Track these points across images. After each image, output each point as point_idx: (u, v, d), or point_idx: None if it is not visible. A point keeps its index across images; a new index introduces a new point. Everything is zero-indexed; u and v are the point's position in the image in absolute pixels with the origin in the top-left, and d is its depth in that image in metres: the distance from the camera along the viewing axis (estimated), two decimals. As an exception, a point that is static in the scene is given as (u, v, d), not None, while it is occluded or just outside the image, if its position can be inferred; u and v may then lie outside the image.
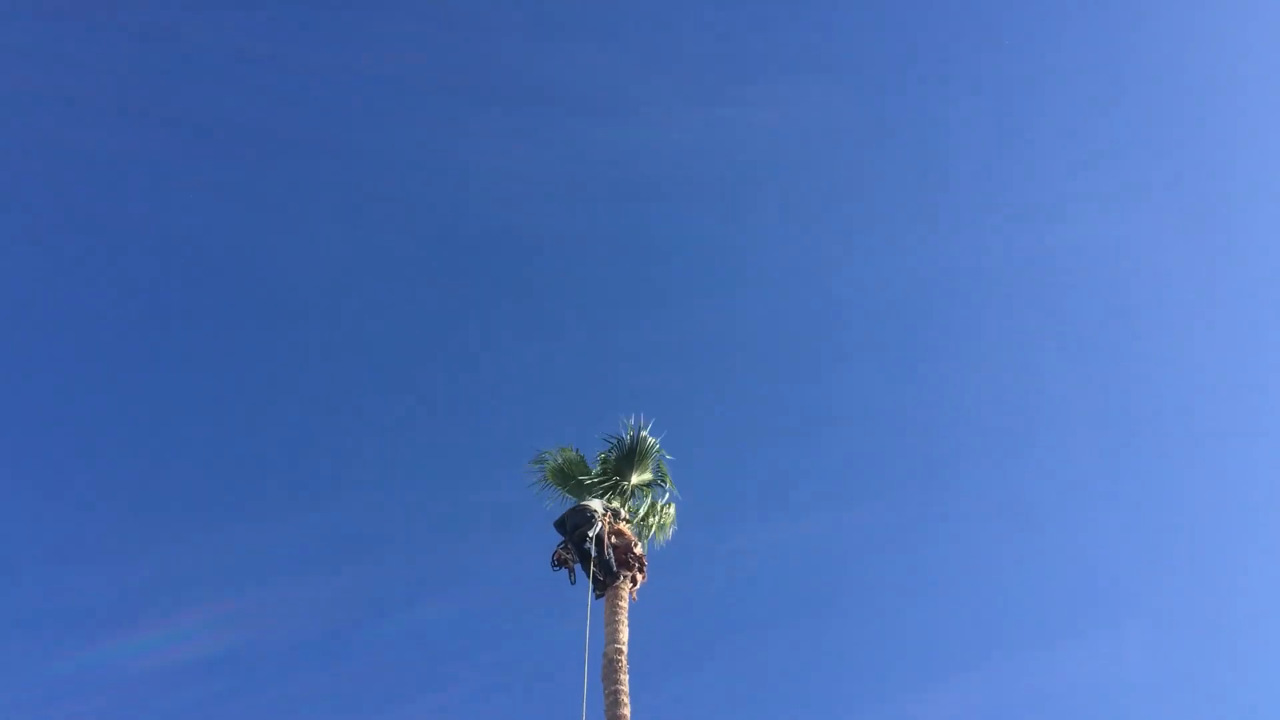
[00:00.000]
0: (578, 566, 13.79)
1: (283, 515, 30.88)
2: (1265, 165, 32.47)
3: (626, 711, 11.83)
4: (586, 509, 13.94)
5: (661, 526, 15.88)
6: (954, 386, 33.56)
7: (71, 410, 30.61)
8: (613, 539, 13.93)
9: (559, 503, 15.50)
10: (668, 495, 16.16)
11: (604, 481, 15.45)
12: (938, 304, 33.49)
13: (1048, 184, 32.87)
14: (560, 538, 14.03)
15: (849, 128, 32.35)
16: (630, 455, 15.81)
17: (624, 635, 12.84)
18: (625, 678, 12.28)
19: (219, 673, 27.74)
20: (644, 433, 15.90)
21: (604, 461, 16.01)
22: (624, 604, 13.30)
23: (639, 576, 13.98)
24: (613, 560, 13.59)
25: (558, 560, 13.90)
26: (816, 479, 32.95)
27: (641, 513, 15.69)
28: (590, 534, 13.62)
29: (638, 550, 14.13)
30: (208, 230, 31.23)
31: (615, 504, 14.64)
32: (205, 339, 32.10)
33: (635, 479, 15.78)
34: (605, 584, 13.51)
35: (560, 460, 15.99)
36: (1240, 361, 32.66)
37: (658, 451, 15.97)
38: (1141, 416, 33.73)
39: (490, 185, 32.01)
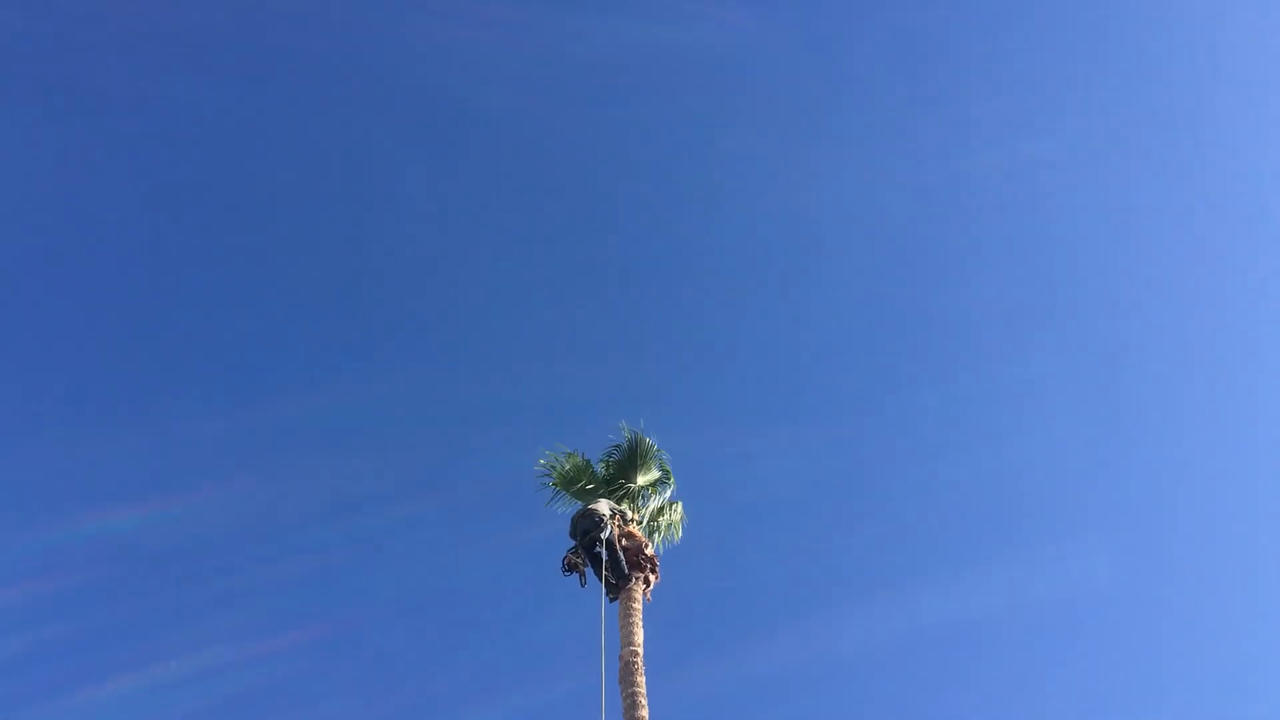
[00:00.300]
0: (589, 570, 13.81)
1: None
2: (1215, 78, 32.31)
3: (645, 714, 11.81)
4: (595, 513, 13.91)
5: (671, 525, 15.92)
6: (923, 301, 33.46)
7: (77, 282, 30.13)
8: (623, 541, 13.95)
9: (568, 508, 15.57)
10: (672, 492, 16.22)
11: (610, 485, 15.49)
12: (917, 216, 33.29)
13: (1031, 94, 32.57)
14: (570, 542, 14.07)
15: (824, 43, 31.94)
16: (632, 457, 15.91)
17: (639, 637, 12.83)
18: (642, 679, 12.28)
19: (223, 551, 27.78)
20: (640, 434, 16.03)
21: (607, 465, 16.07)
22: (638, 605, 13.29)
23: (652, 577, 13.97)
24: (624, 562, 13.60)
25: (568, 565, 13.91)
26: (791, 393, 33.17)
27: (650, 512, 15.72)
28: (601, 537, 13.62)
29: (649, 551, 14.13)
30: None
31: (624, 506, 14.64)
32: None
33: (641, 480, 15.84)
34: (618, 587, 13.51)
35: (567, 466, 16.08)
36: (1207, 267, 32.61)
37: (658, 451, 16.06)
38: (1106, 327, 33.71)
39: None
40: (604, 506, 14.09)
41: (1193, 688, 29.21)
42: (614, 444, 16.33)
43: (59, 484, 28.33)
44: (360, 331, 32.75)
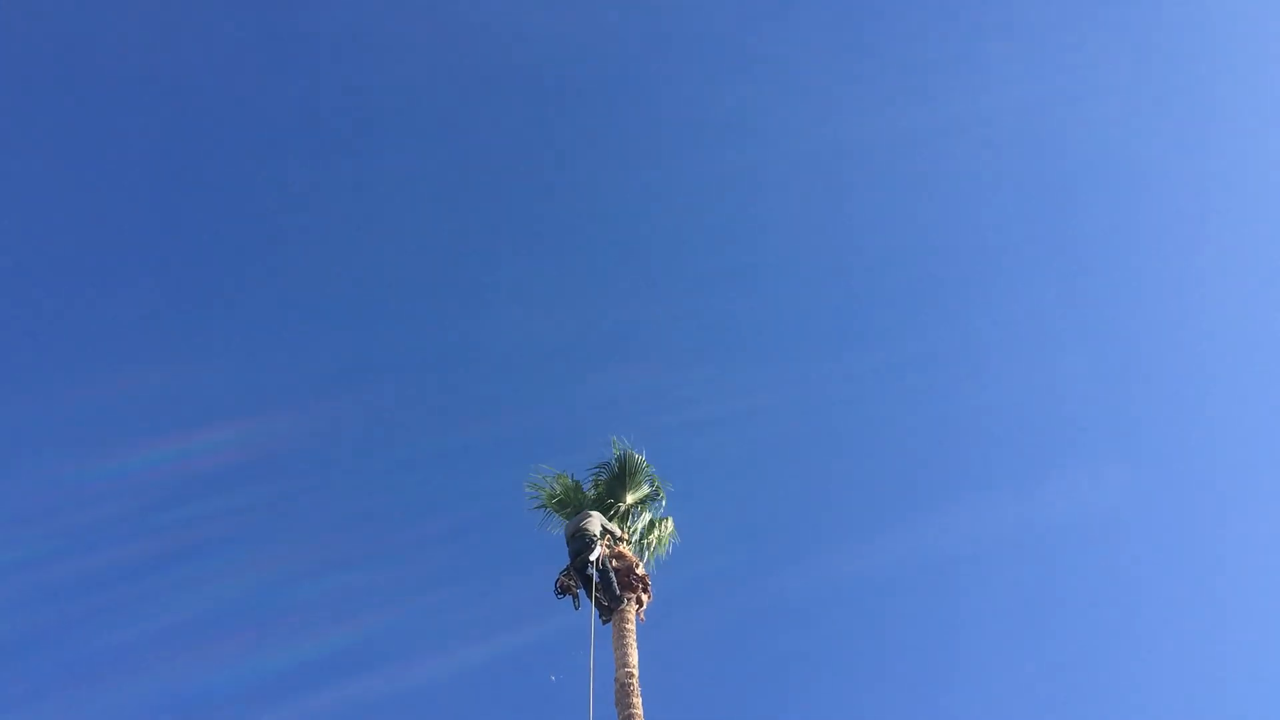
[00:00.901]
0: (581, 592, 13.83)
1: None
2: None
3: (642, 736, 11.87)
4: (585, 533, 13.87)
5: (661, 541, 15.95)
6: (930, 232, 33.27)
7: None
8: (614, 562, 13.97)
9: (559, 530, 15.58)
10: (663, 507, 16.27)
11: (600, 505, 15.52)
12: (919, 149, 33.02)
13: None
14: (564, 560, 14.08)
15: None
16: (622, 475, 15.94)
17: (634, 658, 12.87)
18: (639, 701, 12.33)
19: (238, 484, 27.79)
20: (630, 451, 16.07)
21: (597, 484, 16.11)
22: (631, 627, 13.33)
23: (644, 597, 14.01)
24: (616, 584, 13.62)
25: (560, 587, 13.91)
26: (790, 329, 33.24)
27: (640, 530, 15.75)
28: (591, 559, 13.63)
29: (640, 571, 14.15)
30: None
31: (613, 526, 14.67)
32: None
33: (630, 498, 15.86)
34: (610, 609, 13.54)
35: (556, 488, 16.12)
36: (1214, 198, 32.59)
37: (648, 467, 16.10)
38: (1113, 255, 33.73)
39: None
40: (595, 523, 14.07)
41: (1200, 609, 29.43)
42: (602, 462, 16.40)
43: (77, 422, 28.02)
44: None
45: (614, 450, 16.28)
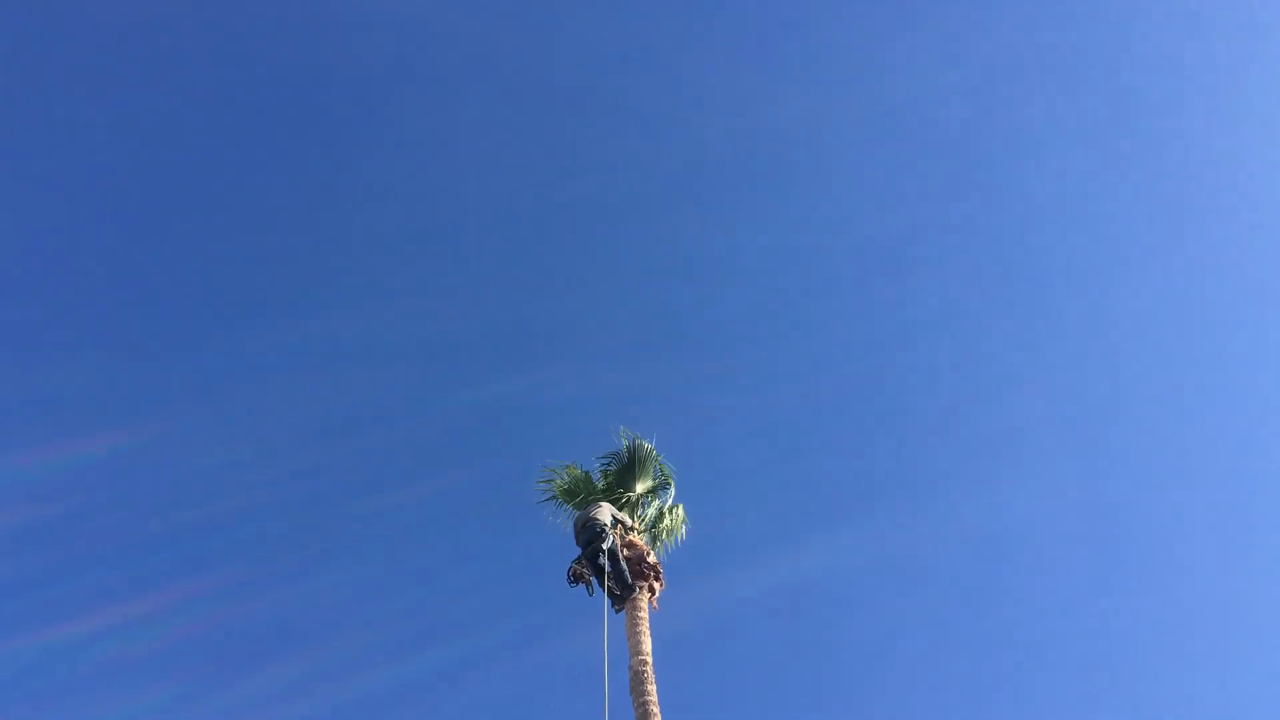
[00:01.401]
0: (594, 580, 13.90)
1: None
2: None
3: (657, 723, 11.94)
4: (596, 523, 13.92)
5: (672, 530, 15.99)
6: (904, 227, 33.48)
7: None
8: (625, 551, 14.04)
9: (570, 520, 15.64)
10: (673, 496, 16.32)
11: (609, 495, 15.58)
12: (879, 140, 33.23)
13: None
14: (575, 549, 14.16)
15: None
16: (631, 465, 16.01)
17: (647, 646, 12.94)
18: (653, 688, 12.40)
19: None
20: (639, 440, 16.11)
21: (606, 475, 16.17)
22: (644, 615, 13.40)
23: (656, 585, 14.08)
24: (627, 572, 13.69)
25: (574, 575, 14.00)
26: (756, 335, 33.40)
27: (651, 519, 15.81)
28: (603, 548, 13.70)
29: (651, 559, 14.23)
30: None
31: (624, 515, 14.73)
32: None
33: (639, 488, 15.92)
34: (623, 597, 13.61)
35: (566, 479, 16.19)
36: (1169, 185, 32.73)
37: (656, 456, 16.14)
38: (1071, 260, 33.77)
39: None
40: (605, 513, 14.15)
41: (1158, 608, 29.61)
42: (611, 452, 16.45)
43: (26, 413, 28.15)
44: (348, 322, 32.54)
45: (622, 440, 16.35)
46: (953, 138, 32.89)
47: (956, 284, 33.03)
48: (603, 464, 16.38)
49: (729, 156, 34.17)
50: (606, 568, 13.63)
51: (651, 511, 15.95)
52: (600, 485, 16.06)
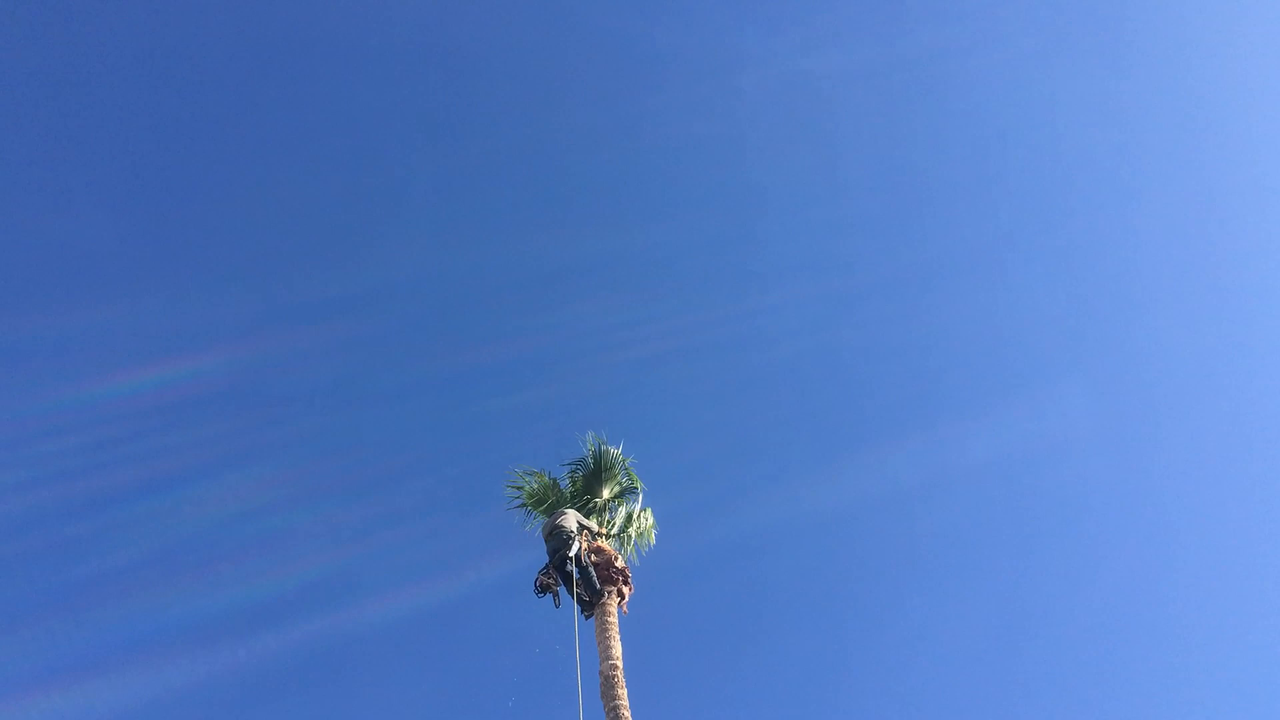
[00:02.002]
0: (562, 589, 13.83)
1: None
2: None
3: (628, 728, 11.87)
4: (562, 530, 13.91)
5: (641, 534, 15.95)
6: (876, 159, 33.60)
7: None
8: (593, 557, 13.98)
9: (539, 528, 15.58)
10: (642, 500, 16.29)
11: (577, 501, 15.54)
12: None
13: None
14: (544, 559, 14.08)
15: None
16: (598, 470, 15.97)
17: (617, 650, 12.88)
18: (624, 692, 12.33)
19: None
20: (605, 445, 16.11)
21: (574, 480, 16.12)
22: (613, 620, 13.34)
23: (625, 589, 14.02)
24: (595, 578, 13.63)
25: (541, 586, 13.90)
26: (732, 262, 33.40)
27: (619, 524, 15.76)
28: (570, 555, 13.64)
29: (619, 564, 14.17)
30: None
31: (591, 521, 14.68)
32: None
33: (606, 493, 15.89)
34: (591, 603, 13.55)
35: (535, 486, 16.14)
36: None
37: (624, 460, 16.13)
38: (1073, 176, 33.88)
39: None
40: (570, 520, 14.11)
41: (1161, 528, 29.90)
42: (578, 458, 16.44)
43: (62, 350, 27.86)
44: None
45: (589, 446, 16.34)
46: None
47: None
48: (570, 470, 16.36)
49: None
50: (574, 575, 13.57)
51: (620, 516, 15.91)
52: (568, 491, 16.02)
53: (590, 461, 16.26)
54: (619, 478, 16.19)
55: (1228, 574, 28.77)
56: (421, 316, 32.53)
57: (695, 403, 31.83)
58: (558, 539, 13.89)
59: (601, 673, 12.61)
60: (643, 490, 16.32)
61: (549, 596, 13.82)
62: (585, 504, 15.57)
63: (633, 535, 15.85)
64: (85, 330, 28.09)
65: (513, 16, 32.43)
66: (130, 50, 29.76)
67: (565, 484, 16.29)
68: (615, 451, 16.31)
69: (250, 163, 31.91)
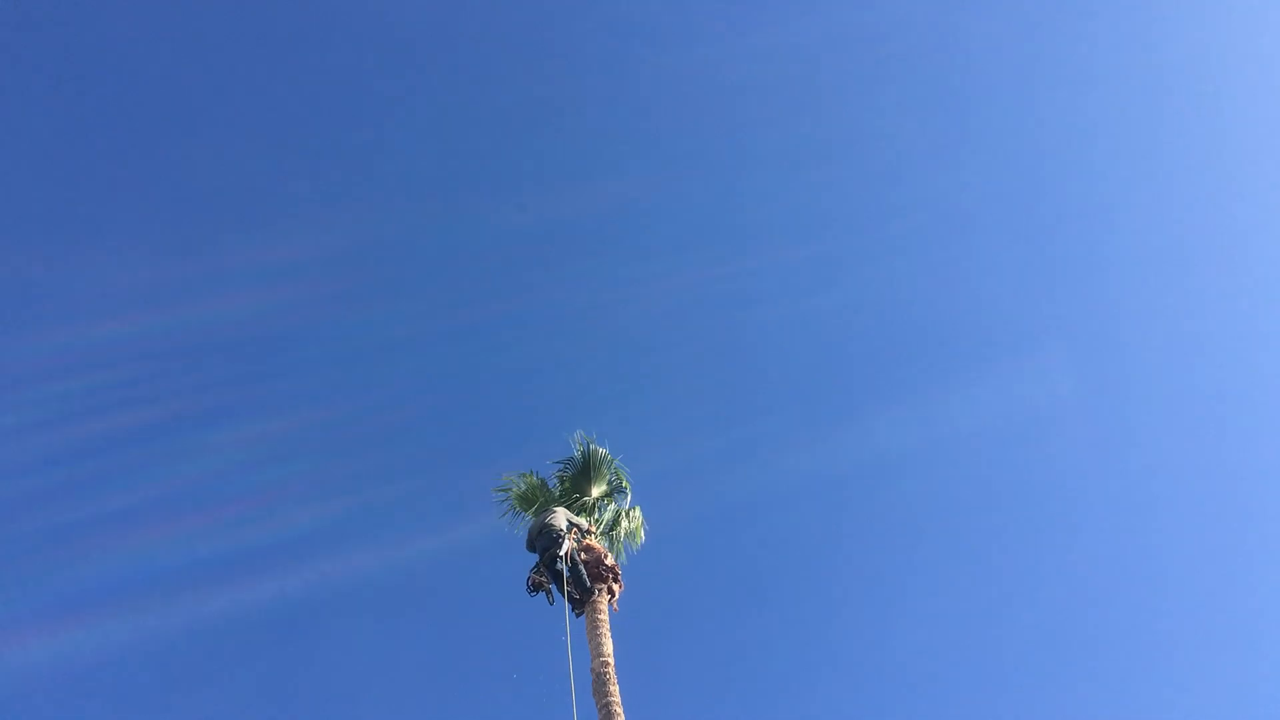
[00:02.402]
0: (553, 587, 13.93)
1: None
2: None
3: (620, 724, 11.98)
4: (551, 528, 14.00)
5: (631, 532, 16.07)
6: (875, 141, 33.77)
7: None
8: (583, 555, 14.08)
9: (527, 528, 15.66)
10: (630, 498, 16.40)
11: (566, 501, 15.64)
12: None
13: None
14: (534, 558, 14.19)
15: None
16: (586, 469, 16.06)
17: (608, 648, 12.96)
18: (615, 689, 12.40)
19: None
20: (594, 444, 16.19)
21: (562, 480, 16.21)
22: (604, 617, 13.42)
23: (616, 587, 14.11)
24: (585, 576, 13.74)
25: (533, 585, 14.00)
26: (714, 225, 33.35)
27: (608, 522, 15.88)
28: (560, 553, 13.75)
29: (609, 561, 14.25)
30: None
31: (580, 519, 14.78)
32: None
33: (595, 492, 15.98)
34: (582, 601, 13.65)
35: (523, 487, 16.22)
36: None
37: (612, 460, 16.22)
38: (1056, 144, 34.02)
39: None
40: (560, 518, 14.21)
41: (1145, 499, 30.09)
42: (566, 458, 16.53)
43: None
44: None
45: (577, 445, 16.43)
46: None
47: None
48: (558, 470, 16.45)
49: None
50: (565, 572, 13.68)
51: (609, 514, 16.02)
52: (557, 491, 16.11)
53: (579, 460, 16.34)
54: (607, 477, 16.29)
55: (1211, 545, 29.07)
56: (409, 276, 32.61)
57: (678, 381, 31.92)
58: (547, 537, 13.98)
59: (593, 670, 12.69)
60: (630, 489, 16.46)
61: (541, 595, 13.95)
62: (574, 503, 15.66)
63: (622, 533, 15.96)
64: (84, 277, 28.20)
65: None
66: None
67: (553, 484, 16.37)
68: (603, 451, 16.41)
69: (258, 129, 31.84)
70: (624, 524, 16.03)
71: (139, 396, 27.10)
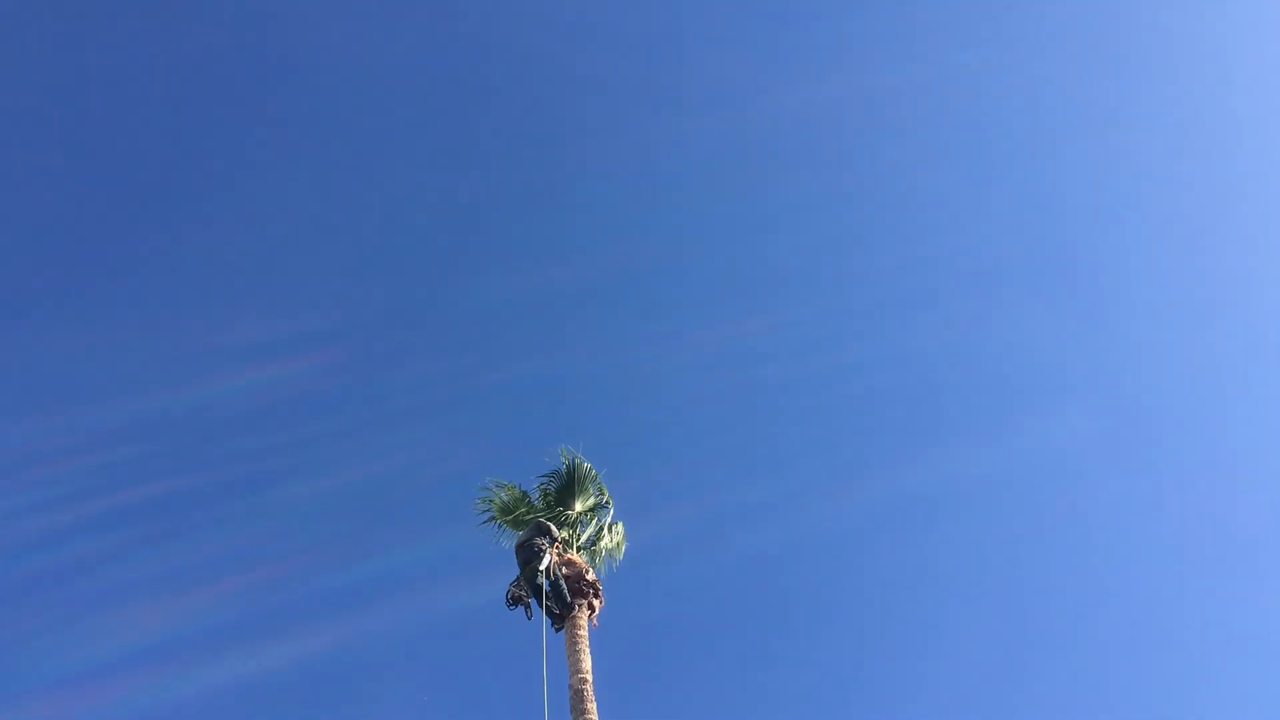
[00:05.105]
0: (533, 601, 13.81)
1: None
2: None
3: (596, 741, 11.86)
4: (534, 544, 13.93)
5: (612, 548, 15.96)
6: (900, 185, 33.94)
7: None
8: (564, 569, 13.97)
9: (510, 540, 15.52)
10: (613, 513, 16.28)
11: (549, 514, 15.52)
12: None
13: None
14: (518, 569, 14.07)
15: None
16: (570, 483, 15.94)
17: (586, 664, 12.85)
18: (593, 706, 12.31)
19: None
20: (579, 459, 16.07)
21: (545, 493, 16.09)
22: (583, 633, 13.32)
23: (596, 602, 14.01)
24: (566, 590, 13.62)
25: (512, 598, 13.92)
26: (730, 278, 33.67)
27: (590, 537, 15.77)
28: (540, 568, 13.64)
29: (590, 576, 14.16)
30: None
31: (562, 534, 14.66)
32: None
33: (579, 506, 15.87)
34: (562, 615, 13.53)
35: (505, 498, 16.08)
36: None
37: (595, 475, 16.11)
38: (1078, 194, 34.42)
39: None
40: (542, 532, 14.12)
41: (1166, 545, 30.13)
42: (550, 471, 16.39)
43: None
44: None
45: (562, 459, 16.31)
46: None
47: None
48: (542, 483, 16.32)
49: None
50: (545, 587, 13.56)
51: (591, 529, 15.91)
52: (540, 504, 15.98)
53: (564, 474, 16.22)
54: (591, 492, 16.17)
55: (1233, 588, 29.03)
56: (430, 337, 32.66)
57: (695, 419, 31.88)
58: (529, 551, 13.90)
59: (571, 686, 12.58)
60: (612, 504, 16.34)
61: (520, 609, 13.83)
62: (557, 517, 15.54)
63: (604, 549, 15.86)
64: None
65: (525, 36, 32.74)
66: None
67: (536, 497, 16.23)
68: (587, 465, 16.30)
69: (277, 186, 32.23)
70: (606, 539, 15.92)
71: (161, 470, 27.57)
